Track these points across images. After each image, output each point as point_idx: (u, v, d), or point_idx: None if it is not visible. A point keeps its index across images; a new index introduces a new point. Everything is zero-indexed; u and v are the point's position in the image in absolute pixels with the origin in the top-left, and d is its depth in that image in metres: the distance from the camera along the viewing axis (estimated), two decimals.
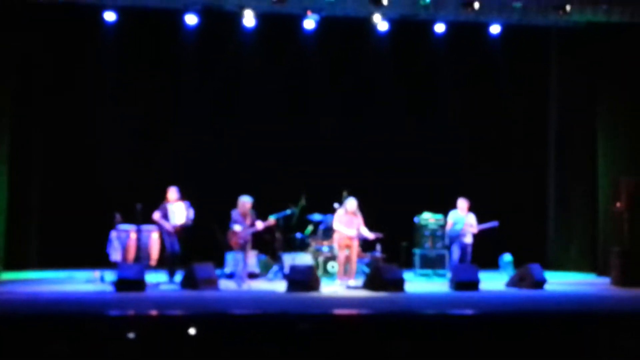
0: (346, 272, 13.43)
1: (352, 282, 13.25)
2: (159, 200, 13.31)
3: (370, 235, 13.47)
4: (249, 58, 16.91)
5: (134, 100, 16.79)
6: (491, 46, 17.22)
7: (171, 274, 13.20)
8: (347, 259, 13.40)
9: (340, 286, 13.16)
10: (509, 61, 17.48)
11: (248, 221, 13.14)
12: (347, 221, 13.34)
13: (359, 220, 13.37)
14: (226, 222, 13.49)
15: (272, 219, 13.34)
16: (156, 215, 13.10)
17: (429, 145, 17.52)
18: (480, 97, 17.71)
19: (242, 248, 13.16)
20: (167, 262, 13.19)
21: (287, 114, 17.25)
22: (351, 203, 13.36)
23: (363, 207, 13.60)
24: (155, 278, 13.28)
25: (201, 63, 16.93)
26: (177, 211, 13.20)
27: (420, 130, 17.49)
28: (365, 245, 14.45)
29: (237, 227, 13.04)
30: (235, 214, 13.16)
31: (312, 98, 17.38)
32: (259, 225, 13.13)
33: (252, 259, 13.39)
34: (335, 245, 13.66)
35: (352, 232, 13.26)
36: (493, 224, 13.97)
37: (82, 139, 16.66)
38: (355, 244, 13.39)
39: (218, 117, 17.16)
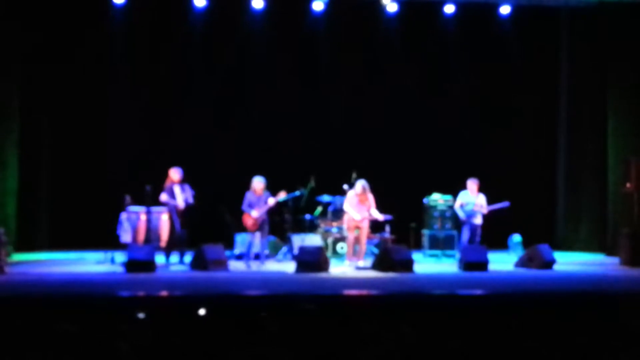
0: (355, 253, 13.42)
1: (361, 263, 13.25)
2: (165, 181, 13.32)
3: (380, 216, 13.44)
4: (258, 39, 16.85)
5: (144, 82, 16.78)
6: (501, 27, 17.10)
7: (182, 255, 13.23)
8: (357, 240, 13.40)
9: (349, 267, 13.16)
10: (519, 42, 17.34)
11: (262, 203, 13.15)
12: (358, 203, 13.32)
13: (369, 202, 13.35)
14: (236, 203, 13.50)
15: (282, 193, 13.32)
16: (164, 197, 13.12)
17: (438, 125, 17.46)
18: (490, 77, 17.60)
19: (259, 228, 13.18)
20: (177, 242, 13.22)
21: (296, 95, 17.19)
22: (360, 185, 13.32)
23: (372, 189, 13.56)
24: (165, 259, 13.30)
25: (210, 44, 16.87)
26: (181, 192, 13.20)
27: (430, 111, 17.41)
28: (374, 226, 14.44)
29: (254, 213, 13.06)
30: (249, 195, 13.17)
31: (321, 79, 17.31)
32: (271, 201, 13.14)
33: (257, 240, 13.39)
34: (345, 226, 13.66)
35: (359, 216, 13.23)
36: (504, 204, 13.93)
37: (92, 122, 16.69)
38: (365, 226, 13.38)
39: (227, 98, 17.12)
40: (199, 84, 17.03)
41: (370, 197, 13.38)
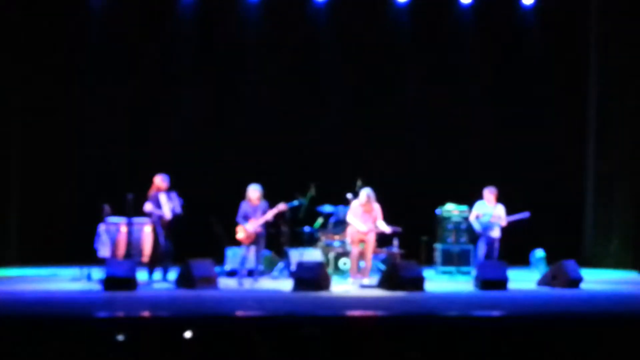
0: (360, 270, 13.44)
1: (367, 281, 13.26)
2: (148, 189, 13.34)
3: (387, 229, 13.47)
4: (253, 33, 16.92)
5: (124, 80, 16.77)
6: (523, 17, 17.16)
7: (166, 271, 13.24)
8: (361, 255, 13.42)
9: (353, 285, 13.17)
10: (543, 34, 17.39)
11: (259, 213, 13.17)
12: (363, 214, 13.34)
13: (375, 212, 13.37)
14: (227, 214, 13.52)
15: (282, 204, 13.34)
16: (148, 206, 13.12)
17: (452, 128, 17.49)
18: (510, 73, 17.62)
19: (254, 242, 13.20)
20: (161, 257, 13.22)
21: (295, 94, 17.24)
22: (365, 194, 13.34)
23: (379, 198, 13.59)
24: (148, 276, 13.31)
25: (199, 39, 16.92)
26: (168, 201, 13.20)
27: (443, 112, 17.44)
28: (381, 239, 14.45)
29: (249, 226, 13.08)
30: (244, 205, 13.19)
31: (323, 77, 17.37)
32: (273, 212, 13.16)
33: (251, 254, 13.41)
34: (348, 239, 13.68)
35: (365, 228, 13.24)
36: (524, 215, 13.94)
37: (66, 125, 16.66)
38: (371, 239, 13.40)
39: (218, 99, 17.16)
40: (186, 81, 17.07)
41: (377, 207, 13.41)
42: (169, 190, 13.21)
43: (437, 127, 17.42)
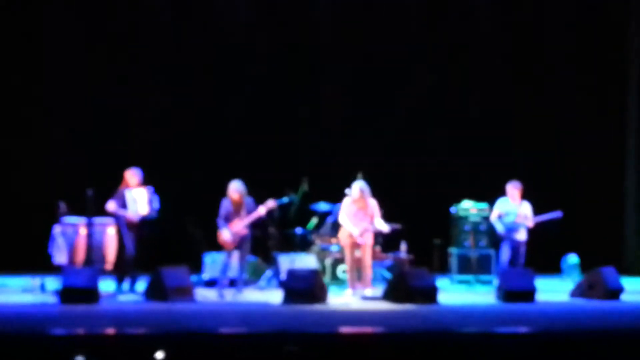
0: (359, 279, 13.45)
1: (369, 292, 13.27)
2: (116, 185, 13.33)
3: (386, 227, 13.50)
4: (239, 9, 16.92)
5: (83, 56, 16.75)
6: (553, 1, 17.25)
7: (133, 281, 13.24)
8: (359, 261, 13.41)
9: (353, 297, 13.19)
10: (575, 12, 17.43)
11: (243, 212, 13.17)
12: (357, 212, 13.33)
13: (371, 209, 13.37)
14: (206, 214, 13.52)
15: (271, 201, 13.34)
16: (111, 205, 13.11)
17: (469, 114, 17.49)
18: (538, 55, 17.65)
19: (238, 246, 13.21)
20: (127, 265, 13.23)
21: (285, 76, 17.22)
22: (357, 188, 13.31)
23: (384, 194, 13.60)
24: (111, 286, 13.32)
25: (176, 15, 16.92)
26: (139, 199, 13.22)
27: (458, 96, 17.46)
28: (387, 243, 14.47)
29: (227, 233, 13.06)
30: (225, 203, 13.18)
31: (320, 57, 17.38)
32: (261, 210, 13.16)
33: (234, 260, 13.42)
34: (342, 243, 13.67)
35: (357, 231, 13.22)
36: (555, 214, 13.97)
37: (13, 108, 16.61)
38: (368, 241, 13.38)
39: (196, 82, 17.15)
40: (160, 60, 17.07)
41: (373, 204, 13.39)
42: (143, 186, 13.19)
43: (452, 112, 17.41)
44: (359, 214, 13.35)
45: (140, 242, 13.19)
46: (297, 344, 8.33)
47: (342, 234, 13.48)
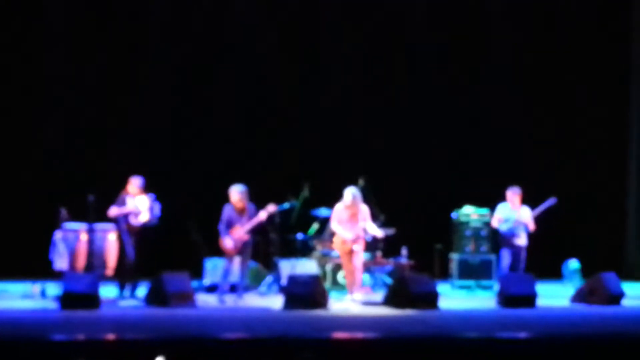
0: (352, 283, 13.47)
1: (358, 296, 13.22)
2: (117, 191, 13.33)
3: (379, 232, 13.50)
4: (238, 5, 16.91)
5: (84, 59, 16.72)
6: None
7: (133, 287, 13.24)
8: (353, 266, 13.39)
9: (354, 302, 13.18)
10: (577, 6, 17.43)
11: (245, 218, 13.16)
12: (349, 219, 13.30)
13: (363, 215, 13.35)
14: (207, 219, 13.52)
15: (272, 206, 13.33)
16: (113, 211, 13.12)
17: (471, 117, 17.47)
18: (540, 54, 17.63)
19: (240, 252, 13.20)
20: (128, 270, 13.23)
21: (286, 76, 17.19)
22: (347, 194, 13.27)
23: (385, 199, 13.60)
24: (112, 292, 13.32)
25: (174, 9, 16.90)
26: (140, 206, 13.22)
27: (461, 98, 17.42)
28: (388, 248, 14.47)
29: (229, 240, 13.06)
30: (228, 209, 13.17)
31: (321, 53, 17.34)
32: (262, 215, 13.15)
33: (235, 266, 13.41)
34: (337, 250, 13.64)
35: (350, 235, 13.20)
36: (550, 202, 13.98)
37: (16, 115, 16.59)
38: (360, 247, 13.35)
39: (195, 81, 17.08)
40: (158, 59, 16.99)
41: (364, 209, 13.39)
42: (147, 194, 13.19)
43: (454, 117, 17.38)
44: (351, 221, 13.34)
45: (140, 248, 13.19)
46: (300, 349, 8.33)
47: (337, 241, 13.46)
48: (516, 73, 17.61)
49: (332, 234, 14.03)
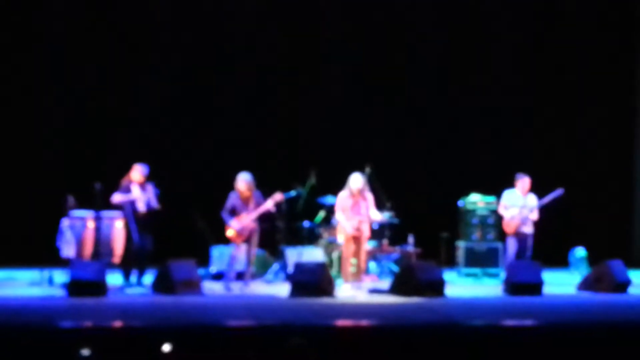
0: (367, 272, 13.45)
1: (365, 283, 13.24)
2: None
3: (379, 216, 13.62)
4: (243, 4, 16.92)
5: (90, 52, 16.71)
6: None
7: (141, 274, 13.26)
8: (355, 254, 13.37)
9: (361, 290, 13.18)
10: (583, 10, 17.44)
11: (251, 206, 13.16)
12: (353, 206, 13.30)
13: (368, 202, 13.36)
14: (213, 207, 13.52)
15: (279, 194, 13.33)
16: (117, 197, 13.09)
17: (477, 105, 17.44)
18: (546, 43, 17.59)
19: (247, 240, 13.20)
20: (135, 257, 13.23)
21: (291, 64, 17.17)
22: (356, 180, 13.28)
23: (391, 187, 13.59)
24: (119, 279, 13.34)
25: (175, 4, 16.89)
26: (144, 193, 13.20)
27: (466, 86, 17.40)
28: (394, 236, 14.46)
29: (235, 224, 13.05)
30: (233, 196, 13.16)
31: (325, 45, 17.31)
32: (269, 204, 13.14)
33: (242, 254, 13.42)
34: (341, 237, 13.65)
35: (351, 228, 13.20)
36: (557, 192, 13.96)
37: (22, 102, 16.60)
38: (364, 234, 13.37)
39: (200, 73, 17.07)
40: (162, 51, 16.99)
41: (369, 197, 13.42)
42: (148, 182, 13.18)
43: (460, 103, 17.36)
44: (355, 209, 13.34)
45: (147, 234, 13.18)
46: (303, 336, 8.32)
47: (340, 228, 13.51)
48: (524, 58, 17.58)
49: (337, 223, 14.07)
